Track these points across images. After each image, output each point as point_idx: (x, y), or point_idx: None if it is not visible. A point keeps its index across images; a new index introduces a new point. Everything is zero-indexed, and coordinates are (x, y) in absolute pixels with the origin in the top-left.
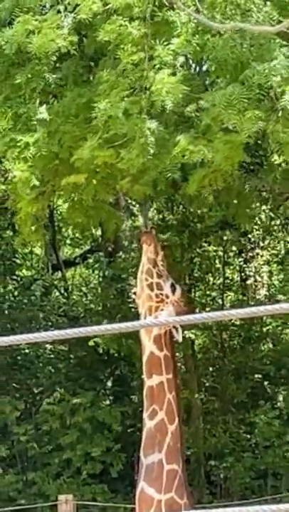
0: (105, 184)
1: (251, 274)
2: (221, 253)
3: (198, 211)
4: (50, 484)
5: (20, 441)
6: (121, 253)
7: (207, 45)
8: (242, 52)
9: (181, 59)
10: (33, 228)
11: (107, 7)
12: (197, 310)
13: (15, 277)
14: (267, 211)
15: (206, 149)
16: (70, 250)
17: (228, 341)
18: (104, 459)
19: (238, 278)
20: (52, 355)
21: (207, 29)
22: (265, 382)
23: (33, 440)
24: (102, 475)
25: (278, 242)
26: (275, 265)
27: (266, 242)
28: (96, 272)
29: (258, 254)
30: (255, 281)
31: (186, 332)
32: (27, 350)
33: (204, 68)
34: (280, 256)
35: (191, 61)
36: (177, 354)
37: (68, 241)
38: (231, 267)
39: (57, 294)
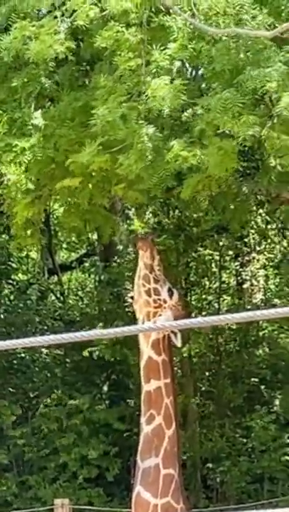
0: (101, 188)
1: (247, 278)
2: (217, 257)
3: (194, 215)
4: (46, 488)
5: (16, 446)
6: (117, 257)
7: (203, 51)
8: (238, 57)
9: (178, 64)
10: (28, 232)
11: (104, 13)
12: (193, 314)
13: (11, 281)
14: (263, 215)
15: (200, 154)
16: (66, 254)
17: (225, 345)
18: (100, 463)
19: (235, 282)
20: (48, 359)
21: (203, 34)
22: (262, 387)
23: (29, 444)
24: (98, 479)
25: (274, 246)
26: (271, 269)
27: (262, 246)
28: (92, 276)
29: (254, 258)
30: (252, 285)
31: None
32: (23, 355)
33: (200, 72)
34: (276, 260)
35: (187, 65)
36: (174, 358)
37: (64, 245)
38: (227, 271)
39: (53, 298)
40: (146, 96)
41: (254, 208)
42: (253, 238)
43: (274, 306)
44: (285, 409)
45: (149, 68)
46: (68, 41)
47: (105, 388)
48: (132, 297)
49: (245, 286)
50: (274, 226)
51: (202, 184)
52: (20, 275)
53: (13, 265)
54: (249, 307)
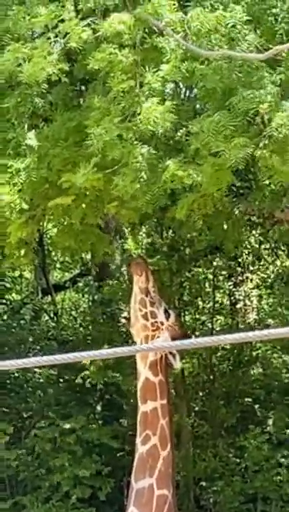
0: (94, 207)
1: (241, 298)
2: (210, 276)
3: (188, 235)
4: (39, 508)
5: (10, 466)
6: (111, 277)
7: (196, 73)
8: (230, 78)
9: (171, 85)
10: (22, 252)
11: (97, 34)
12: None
13: (4, 301)
14: (256, 235)
15: (195, 173)
16: (60, 274)
17: (218, 365)
18: (93, 482)
19: (228, 302)
20: (41, 380)
21: (196, 56)
22: (255, 406)
23: (22, 464)
24: (91, 499)
25: (268, 266)
26: (264, 289)
27: (256, 266)
28: (86, 296)
29: (247, 278)
30: (245, 305)
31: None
32: (16, 374)
33: (194, 92)
34: (269, 280)
35: (181, 85)
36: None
37: (58, 265)
38: (221, 291)
39: (46, 318)
40: (139, 118)
41: (247, 227)
42: (247, 258)
43: (267, 326)
44: (278, 429)
45: (143, 90)
46: (61, 63)
47: (99, 408)
48: (125, 317)
49: (238, 306)
50: (267, 246)
51: (197, 203)
52: (13, 295)
53: (7, 285)
54: (242, 327)
